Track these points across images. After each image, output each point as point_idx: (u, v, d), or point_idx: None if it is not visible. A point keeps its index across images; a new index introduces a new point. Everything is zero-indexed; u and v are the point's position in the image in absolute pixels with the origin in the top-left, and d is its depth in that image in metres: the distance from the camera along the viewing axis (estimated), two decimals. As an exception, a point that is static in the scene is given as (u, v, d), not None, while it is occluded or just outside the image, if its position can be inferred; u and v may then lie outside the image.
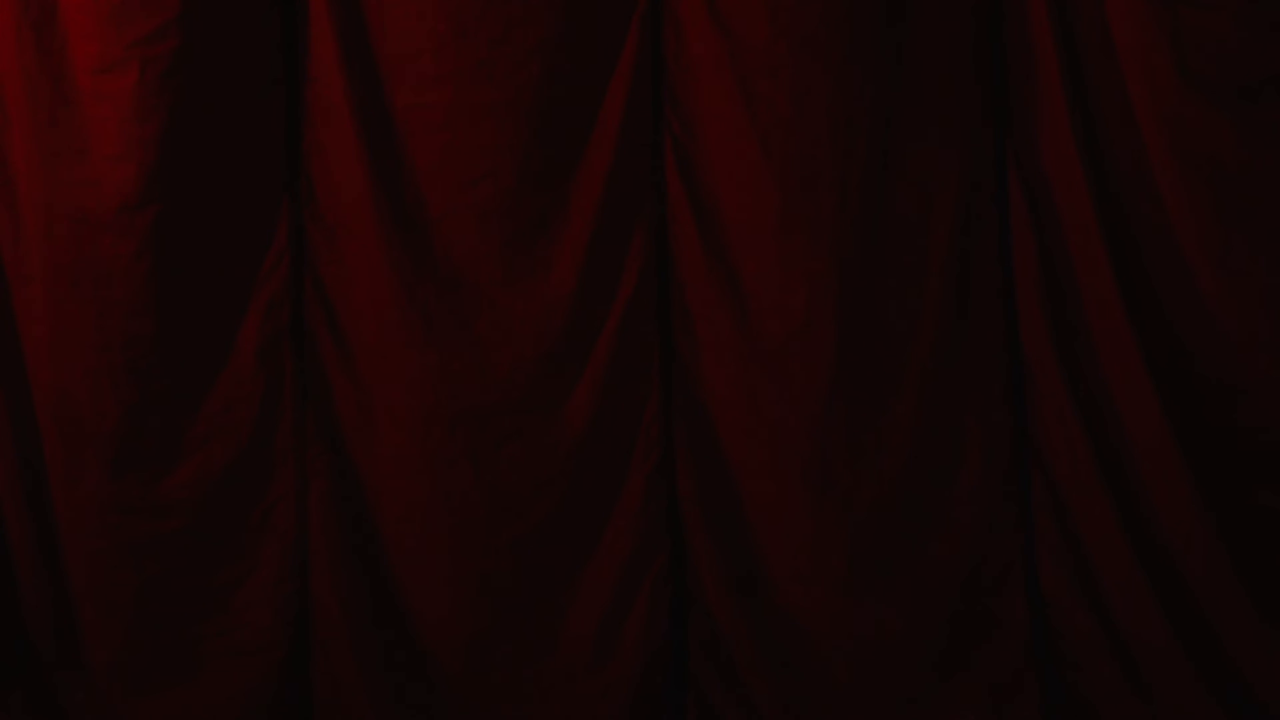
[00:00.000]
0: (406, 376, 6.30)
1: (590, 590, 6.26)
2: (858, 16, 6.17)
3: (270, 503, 6.35)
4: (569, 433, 6.28)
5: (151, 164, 6.29)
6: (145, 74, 6.27)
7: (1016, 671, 6.14)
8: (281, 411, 6.37)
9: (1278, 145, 6.00)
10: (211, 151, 6.35)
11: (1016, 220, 6.23)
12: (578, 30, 6.29)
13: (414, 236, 6.32)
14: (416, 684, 6.29)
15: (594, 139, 6.30)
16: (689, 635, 6.28)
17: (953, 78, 6.23)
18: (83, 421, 6.32)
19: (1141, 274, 6.12)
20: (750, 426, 6.24)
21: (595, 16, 6.30)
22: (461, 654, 6.25)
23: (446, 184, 6.31)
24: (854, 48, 6.18)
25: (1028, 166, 6.22)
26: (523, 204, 6.30)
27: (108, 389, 6.31)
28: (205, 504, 6.34)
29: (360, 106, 6.31)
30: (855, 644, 6.15)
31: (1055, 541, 6.16)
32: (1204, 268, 6.03)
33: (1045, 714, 6.12)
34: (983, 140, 6.25)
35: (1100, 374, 6.14)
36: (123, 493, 6.31)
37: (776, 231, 6.21)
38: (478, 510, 6.26)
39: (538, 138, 6.29)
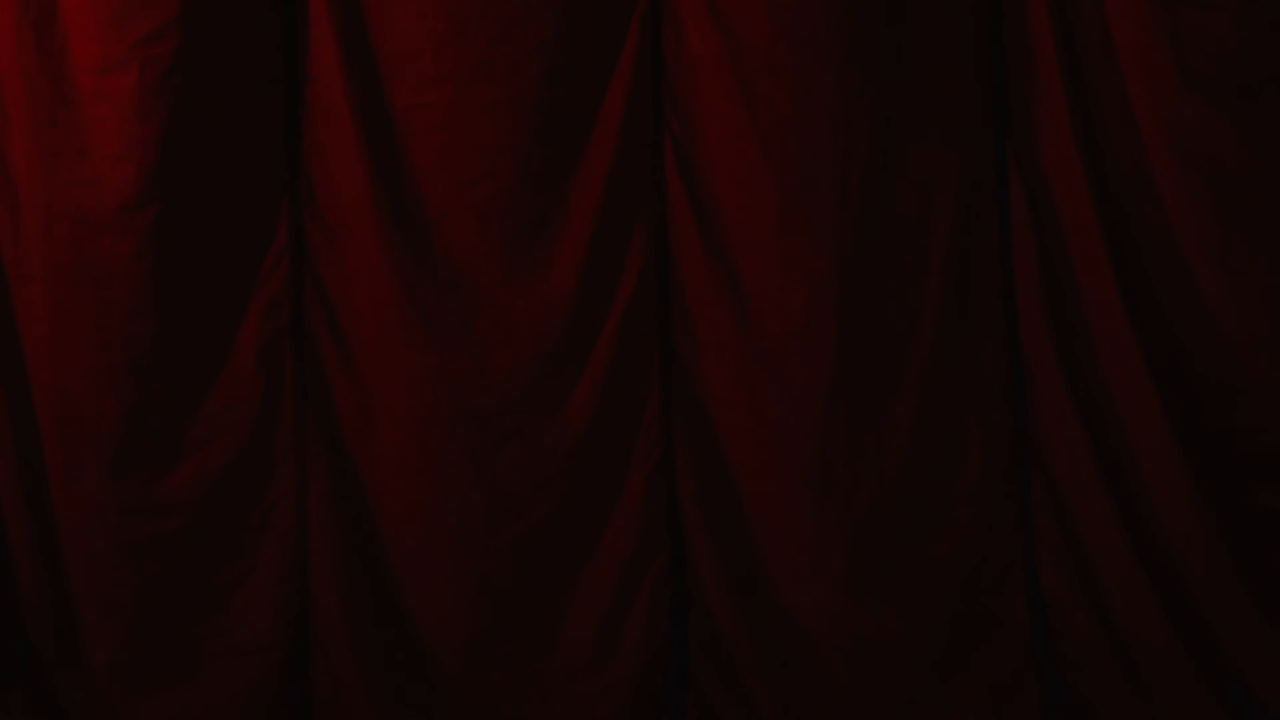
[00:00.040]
0: (406, 376, 6.30)
1: (590, 590, 6.26)
2: (858, 16, 6.17)
3: (270, 503, 6.35)
4: (569, 433, 6.28)
5: (151, 164, 6.30)
6: (145, 74, 6.27)
7: (1016, 671, 6.14)
8: (281, 411, 6.37)
9: (1278, 145, 6.00)
10: (211, 151, 6.35)
11: (1016, 220, 6.23)
12: (578, 30, 6.29)
13: (414, 236, 6.32)
14: (416, 684, 6.29)
15: (594, 139, 6.30)
16: (689, 635, 6.28)
17: (953, 78, 6.23)
18: (83, 421, 6.32)
19: (1141, 274, 6.12)
20: (750, 426, 6.24)
21: (595, 16, 6.30)
22: (461, 654, 6.25)
23: (446, 184, 6.32)
24: (854, 47, 6.18)
25: (1028, 166, 6.22)
26: (523, 204, 6.30)
27: (108, 389, 6.31)
28: (205, 504, 6.34)
29: (360, 106, 6.31)
30: (855, 644, 6.15)
31: (1055, 541, 6.16)
32: (1204, 268, 6.03)
33: (1045, 714, 6.12)
34: (983, 140, 6.25)
35: (1100, 374, 6.14)
36: (123, 493, 6.31)
37: (776, 231, 6.21)
38: (478, 510, 6.26)
39: (538, 138, 6.29)
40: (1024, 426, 6.22)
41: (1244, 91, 6.01)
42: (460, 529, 6.26)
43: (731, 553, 6.25)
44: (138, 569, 6.32)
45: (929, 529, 6.18)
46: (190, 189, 6.34)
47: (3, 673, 6.38)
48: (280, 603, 6.33)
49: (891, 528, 6.18)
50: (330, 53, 6.32)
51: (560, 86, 6.29)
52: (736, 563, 6.25)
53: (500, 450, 6.27)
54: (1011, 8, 6.22)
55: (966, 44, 6.24)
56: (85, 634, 6.34)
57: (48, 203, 6.34)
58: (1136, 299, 6.10)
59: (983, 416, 6.20)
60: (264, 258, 6.38)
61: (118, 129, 6.29)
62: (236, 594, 6.34)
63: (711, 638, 6.25)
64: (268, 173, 6.39)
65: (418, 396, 6.29)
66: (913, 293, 6.22)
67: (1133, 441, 6.09)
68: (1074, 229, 6.16)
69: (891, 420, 6.20)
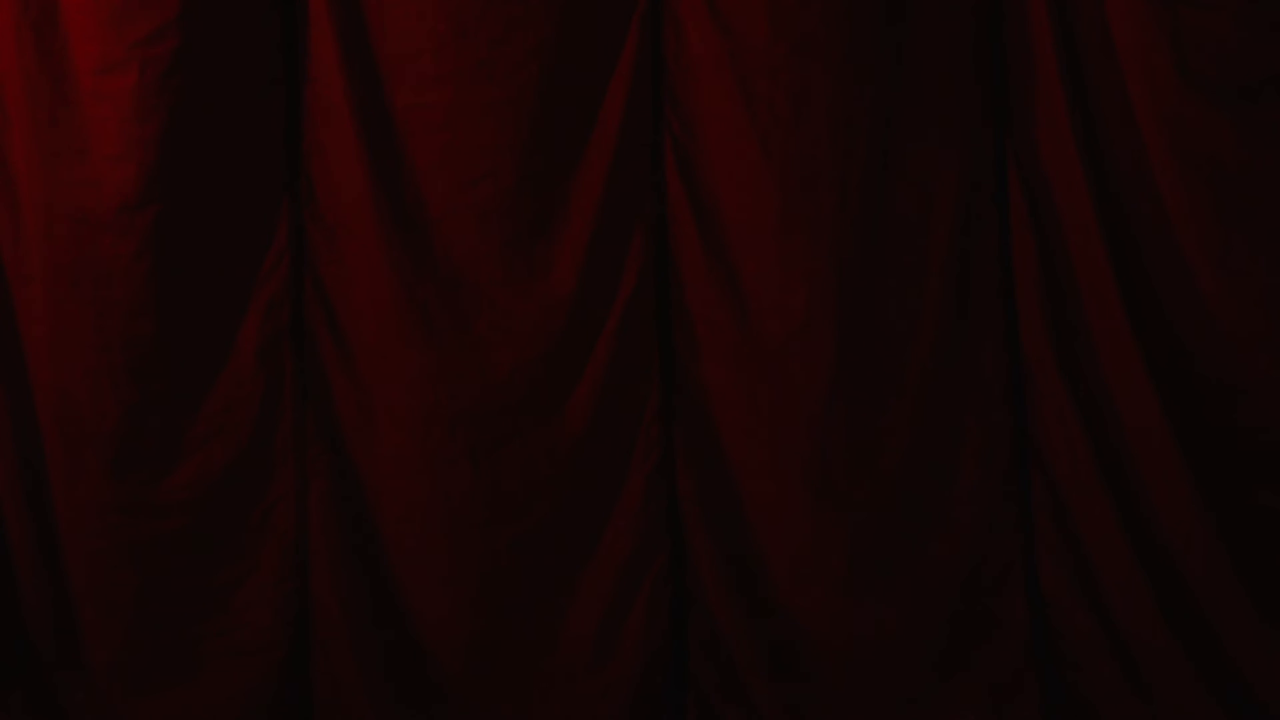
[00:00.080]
0: (406, 376, 6.30)
1: (590, 590, 6.26)
2: (857, 16, 6.17)
3: (270, 503, 6.35)
4: (569, 433, 6.28)
5: (151, 164, 6.30)
6: (145, 74, 6.28)
7: (1016, 671, 6.14)
8: (281, 411, 6.37)
9: (1278, 145, 6.00)
10: (211, 151, 6.35)
11: (1016, 220, 6.23)
12: (578, 30, 6.29)
13: (414, 236, 6.32)
14: (416, 684, 6.28)
15: (594, 139, 6.30)
16: (689, 635, 6.28)
17: (953, 78, 6.23)
18: (83, 421, 6.32)
19: (1141, 274, 6.12)
20: (750, 426, 6.24)
21: (595, 17, 6.30)
22: (461, 654, 6.25)
23: (446, 184, 6.32)
24: (854, 47, 6.18)
25: (1028, 166, 6.22)
26: (523, 204, 6.30)
27: (108, 389, 6.31)
28: (205, 504, 6.34)
29: (360, 106, 6.31)
30: (855, 644, 6.15)
31: (1055, 541, 6.16)
32: (1204, 268, 6.03)
33: (1045, 714, 6.12)
34: (983, 140, 6.25)
35: (1100, 374, 6.14)
36: (123, 493, 6.31)
37: (776, 231, 6.21)
38: (478, 510, 6.26)
39: (538, 138, 6.29)
40: (1024, 426, 6.22)
41: (1244, 91, 6.02)
42: (460, 529, 6.26)
43: (731, 553, 6.25)
44: (138, 569, 6.32)
45: (929, 529, 6.18)
46: (190, 189, 6.34)
47: (3, 673, 6.38)
48: (280, 603, 6.33)
49: (891, 528, 6.18)
50: (330, 53, 6.33)
51: (560, 86, 6.29)
52: (736, 563, 6.25)
53: (500, 450, 6.27)
54: (1011, 8, 6.22)
55: (966, 44, 6.23)
56: (85, 634, 6.34)
57: (48, 203, 6.34)
58: (1136, 299, 6.10)
59: (982, 416, 6.20)
60: (264, 258, 6.38)
61: (118, 129, 6.30)
62: (236, 594, 6.34)
63: (711, 638, 6.25)
64: (268, 173, 6.39)
65: (418, 396, 6.29)
66: (913, 293, 6.22)
67: (1133, 441, 6.09)
68: (1074, 229, 6.17)
69: (891, 420, 6.20)
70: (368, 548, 6.34)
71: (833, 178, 6.20)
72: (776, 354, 6.22)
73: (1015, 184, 6.23)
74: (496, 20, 6.27)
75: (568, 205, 6.31)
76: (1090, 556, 6.11)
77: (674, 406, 6.31)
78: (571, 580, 6.28)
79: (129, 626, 6.31)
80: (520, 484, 6.27)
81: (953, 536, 6.18)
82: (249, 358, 6.36)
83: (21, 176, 6.39)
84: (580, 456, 6.29)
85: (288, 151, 6.40)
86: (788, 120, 6.20)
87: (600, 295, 6.30)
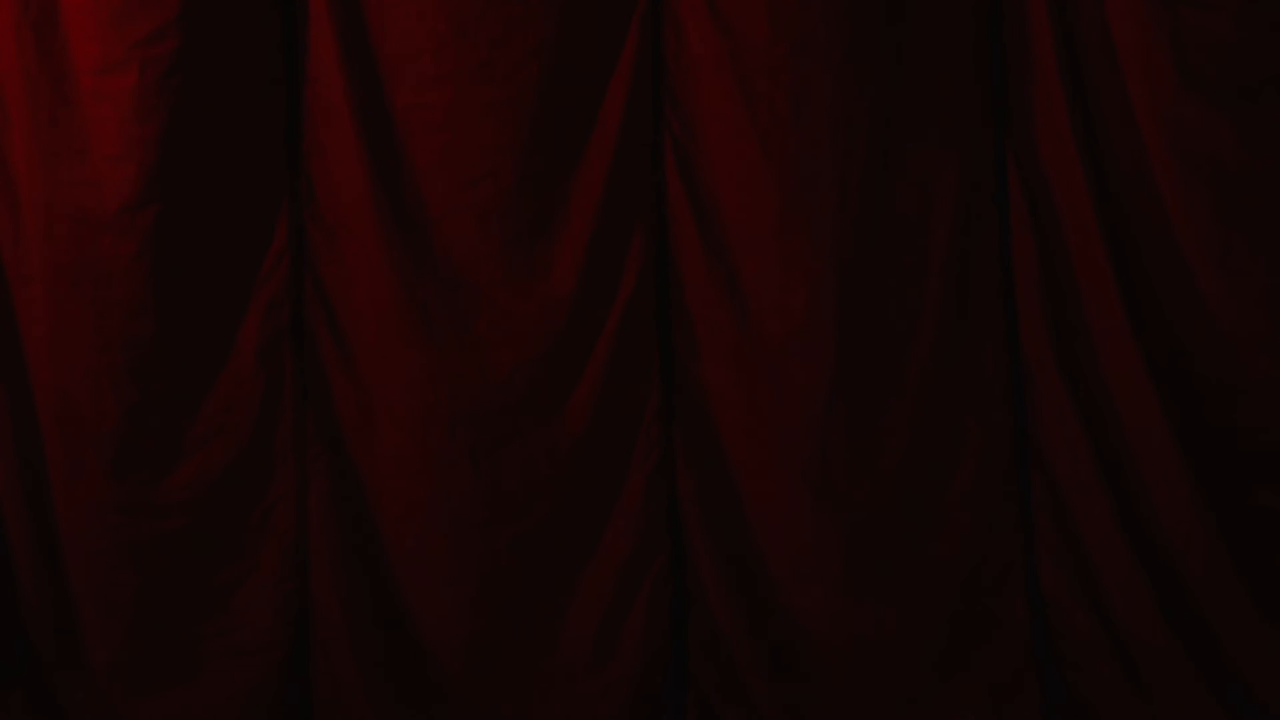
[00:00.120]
0: (406, 376, 6.30)
1: (590, 590, 6.26)
2: (857, 16, 6.17)
3: (270, 503, 6.35)
4: (569, 433, 6.28)
5: (151, 164, 6.30)
6: (145, 74, 6.28)
7: (1016, 671, 6.14)
8: (281, 411, 6.37)
9: (1278, 145, 6.00)
10: (211, 151, 6.35)
11: (1016, 220, 6.23)
12: (577, 30, 6.29)
13: (414, 236, 6.32)
14: (416, 684, 6.28)
15: (594, 139, 6.30)
16: (689, 635, 6.28)
17: (953, 78, 6.23)
18: (83, 421, 6.32)
19: (1141, 274, 6.12)
20: (750, 426, 6.24)
21: (595, 17, 6.30)
22: (461, 654, 6.25)
23: (446, 184, 6.31)
24: (854, 48, 6.18)
25: (1028, 166, 6.22)
26: (523, 204, 6.30)
27: (108, 389, 6.31)
28: (205, 504, 6.34)
29: (360, 106, 6.31)
30: (855, 644, 6.15)
31: (1055, 541, 6.16)
32: (1204, 268, 6.03)
33: (1045, 714, 6.12)
34: (983, 140, 6.25)
35: (1100, 374, 6.14)
36: (123, 493, 6.31)
37: (776, 231, 6.21)
38: (478, 510, 6.26)
39: (538, 138, 6.29)
40: (1024, 426, 6.22)
41: (1244, 91, 6.02)
42: (460, 529, 6.26)
43: (731, 553, 6.25)
44: (138, 569, 6.32)
45: (929, 529, 6.18)
46: (190, 189, 6.34)
47: (3, 673, 6.38)
48: (280, 603, 6.33)
49: (891, 527, 6.18)
50: (330, 53, 6.33)
51: (560, 86, 6.29)
52: (736, 563, 6.25)
53: (500, 450, 6.27)
54: (1011, 8, 6.22)
55: (966, 44, 6.24)
56: (85, 634, 6.34)
57: (48, 203, 6.34)
58: (1136, 299, 6.10)
59: (982, 416, 6.20)
60: (264, 258, 6.38)
61: (118, 129, 6.30)
62: (236, 594, 6.34)
63: (711, 638, 6.25)
64: (268, 173, 6.39)
65: (418, 396, 6.29)
66: (913, 293, 6.22)
67: (1133, 441, 6.09)
68: (1074, 229, 6.17)
69: (891, 420, 6.20)
70: (368, 548, 6.34)
71: (833, 178, 6.20)
72: (776, 354, 6.22)
73: (1015, 184, 6.23)
74: (496, 20, 6.27)
75: (568, 205, 6.31)
76: (1090, 556, 6.11)
77: (674, 406, 6.31)
78: (571, 580, 6.28)
79: (129, 626, 6.31)
80: (520, 484, 6.27)
81: (953, 536, 6.18)
82: (249, 358, 6.36)
83: (21, 176, 6.39)
84: (580, 456, 6.29)
85: (288, 151, 6.40)
86: (788, 120, 6.20)
87: (600, 295, 6.30)
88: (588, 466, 6.29)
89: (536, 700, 6.24)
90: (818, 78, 6.20)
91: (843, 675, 6.17)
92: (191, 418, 6.35)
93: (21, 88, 6.37)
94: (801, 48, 6.19)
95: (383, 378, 6.32)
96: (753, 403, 6.24)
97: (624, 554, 6.27)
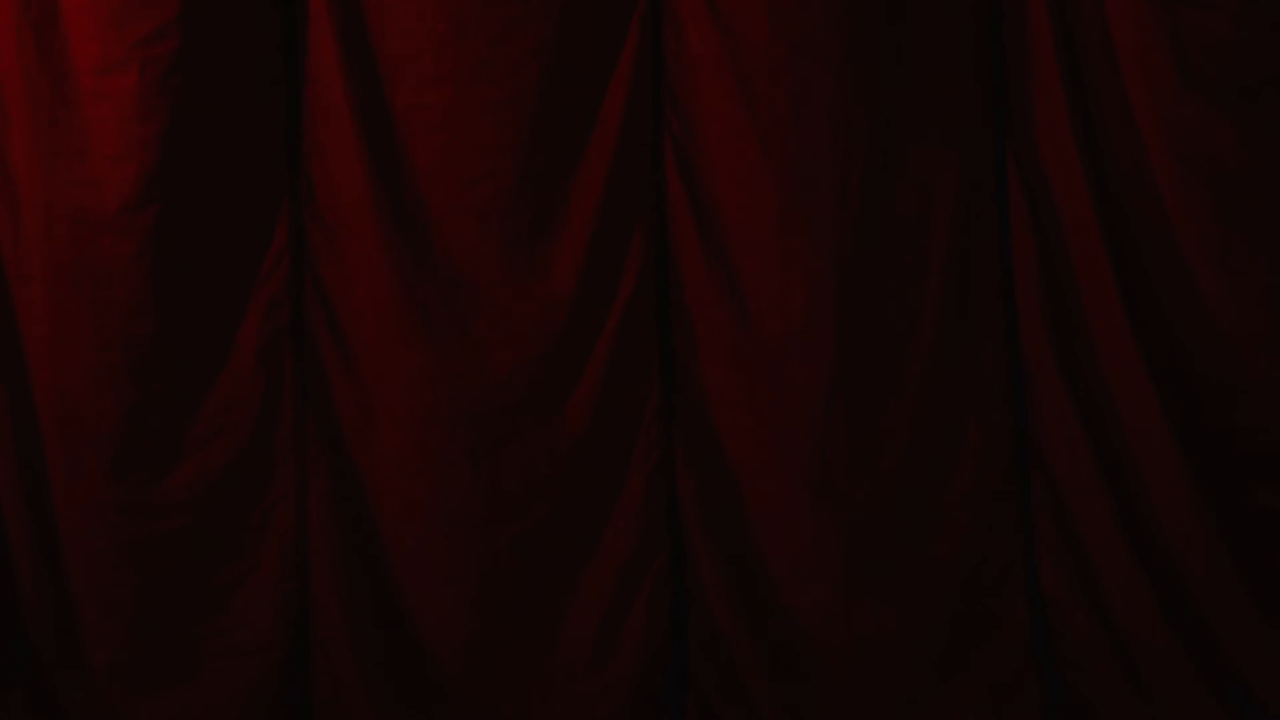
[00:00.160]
0: (406, 376, 6.30)
1: (590, 590, 6.26)
2: (857, 16, 6.17)
3: (270, 503, 6.35)
4: (569, 433, 6.28)
5: (152, 164, 6.30)
6: (145, 74, 6.28)
7: (1016, 671, 6.14)
8: (281, 411, 6.37)
9: (1278, 145, 6.00)
10: (212, 151, 6.35)
11: (1016, 220, 6.23)
12: (577, 30, 6.29)
13: (414, 236, 6.32)
14: (416, 684, 6.28)
15: (594, 139, 6.30)
16: (689, 635, 6.28)
17: (953, 78, 6.23)
18: (83, 421, 6.32)
19: (1141, 274, 6.12)
20: (750, 426, 6.24)
21: (595, 17, 6.30)
22: (461, 654, 6.25)
23: (447, 184, 6.32)
24: (854, 48, 6.18)
25: (1028, 166, 6.22)
26: (523, 204, 6.30)
27: (108, 389, 6.31)
28: (205, 504, 6.34)
29: (360, 106, 6.31)
30: (855, 644, 6.15)
31: (1055, 541, 6.15)
32: (1204, 268, 6.03)
33: (1045, 714, 6.12)
34: (983, 140, 6.25)
35: (1100, 374, 6.14)
36: (123, 493, 6.31)
37: (776, 231, 6.21)
38: (478, 510, 6.26)
39: (538, 138, 6.29)
40: (1024, 426, 6.22)
41: (1244, 91, 6.02)
42: (460, 529, 6.26)
43: (731, 553, 6.25)
44: (138, 569, 6.32)
45: (929, 529, 6.18)
46: (190, 189, 6.34)
47: (3, 673, 6.38)
48: (280, 603, 6.33)
49: (891, 528, 6.18)
50: (330, 53, 6.33)
51: (560, 87, 6.29)
52: (736, 563, 6.25)
53: (500, 450, 6.27)
54: (1011, 8, 6.22)
55: (966, 44, 6.24)
56: (85, 634, 6.34)
57: (48, 203, 6.34)
58: (1136, 299, 6.11)
59: (982, 416, 6.20)
60: (264, 258, 6.38)
61: (118, 129, 6.30)
62: (236, 594, 6.34)
63: (711, 638, 6.25)
64: (268, 173, 6.39)
65: (418, 396, 6.29)
66: (913, 293, 6.22)
67: (1133, 441, 6.09)
68: (1074, 229, 6.17)
69: (891, 420, 6.20)
70: (368, 548, 6.34)
71: (833, 178, 6.20)
72: (776, 354, 6.22)
73: (1015, 184, 6.23)
74: (496, 20, 6.27)
75: (568, 205, 6.31)
76: (1090, 556, 6.11)
77: (674, 406, 6.31)
78: (571, 580, 6.28)
79: (129, 626, 6.31)
80: (520, 484, 6.27)
81: (953, 536, 6.18)
82: (249, 358, 6.36)
83: (22, 176, 6.39)
84: (580, 456, 6.29)
85: (288, 151, 6.40)
86: (788, 120, 6.20)
87: (600, 295, 6.30)
88: (588, 466, 6.29)
89: (536, 700, 6.24)
90: (818, 78, 6.20)
91: (843, 675, 6.16)
92: (191, 418, 6.35)
93: (22, 88, 6.37)
94: (801, 48, 6.19)
95: (383, 378, 6.32)
96: (753, 403, 6.24)
97: (624, 554, 6.27)
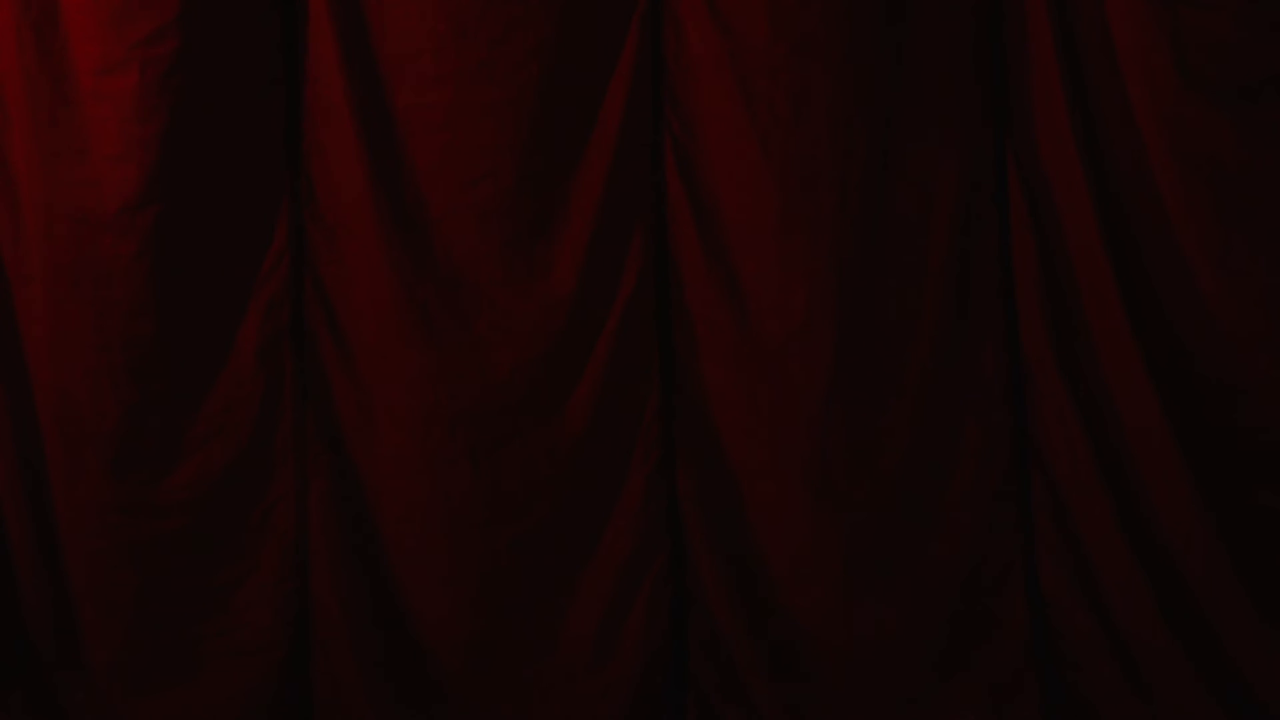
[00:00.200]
0: (406, 376, 6.30)
1: (590, 590, 6.26)
2: (857, 16, 6.17)
3: (270, 503, 6.35)
4: (569, 433, 6.28)
5: (152, 164, 6.30)
6: (145, 74, 6.28)
7: (1016, 671, 6.14)
8: (281, 411, 6.37)
9: (1278, 145, 6.00)
10: (212, 152, 6.35)
11: (1016, 220, 6.23)
12: (577, 31, 6.29)
13: (414, 236, 6.33)
14: (416, 684, 6.28)
15: (594, 139, 6.30)
16: (689, 635, 6.28)
17: (953, 78, 6.23)
18: (83, 421, 6.32)
19: (1141, 274, 6.12)
20: (750, 426, 6.24)
21: (595, 17, 6.30)
22: (461, 654, 6.25)
23: (447, 184, 6.32)
24: (854, 48, 6.19)
25: (1028, 166, 6.22)
26: (523, 204, 6.30)
27: (108, 389, 6.31)
28: (205, 504, 6.34)
29: (360, 106, 6.31)
30: (855, 644, 6.15)
31: (1055, 541, 6.16)
32: (1204, 268, 6.03)
33: (1045, 714, 6.12)
34: (983, 140, 6.25)
35: (1100, 374, 6.14)
36: (123, 493, 6.31)
37: (776, 231, 6.21)
38: (478, 510, 6.26)
39: (538, 138, 6.29)
40: (1024, 426, 6.22)
41: (1244, 91, 6.02)
42: (460, 529, 6.26)
43: (731, 553, 6.25)
44: (138, 569, 6.32)
45: (929, 529, 6.18)
46: (190, 189, 6.34)
47: (3, 673, 6.38)
48: (280, 603, 6.33)
49: (891, 528, 6.18)
50: (330, 53, 6.33)
51: (560, 86, 6.29)
52: (736, 563, 6.25)
53: (500, 450, 6.27)
54: (1011, 8, 6.22)
55: (966, 44, 6.24)
56: (85, 634, 6.34)
57: (48, 203, 6.34)
58: (1136, 299, 6.11)
59: (982, 416, 6.20)
60: (264, 258, 6.38)
61: (118, 129, 6.30)
62: (236, 594, 6.34)
63: (711, 638, 6.25)
64: (268, 173, 6.39)
65: (418, 396, 6.29)
66: (913, 293, 6.22)
67: (1133, 441, 6.09)
68: (1074, 229, 6.17)
69: (891, 420, 6.20)
70: (368, 548, 6.34)
71: (833, 178, 6.20)
72: (776, 354, 6.22)
73: (1015, 184, 6.23)
74: (496, 20, 6.27)
75: (568, 205, 6.31)
76: (1090, 556, 6.11)
77: (674, 406, 6.31)
78: (571, 580, 6.28)
79: (129, 626, 6.31)
80: (520, 484, 6.27)
81: (952, 536, 6.18)
82: (249, 358, 6.36)
83: (22, 176, 6.39)
84: (580, 456, 6.29)
85: (288, 151, 6.40)
86: (788, 120, 6.20)
87: (600, 295, 6.30)
88: (588, 466, 6.29)
89: (536, 700, 6.24)
90: (818, 78, 6.20)
91: (843, 675, 6.16)
92: (191, 418, 6.35)
93: (22, 88, 6.37)
94: (801, 48, 6.19)
95: (383, 378, 6.32)
96: (753, 403, 6.24)
97: (624, 554, 6.27)
